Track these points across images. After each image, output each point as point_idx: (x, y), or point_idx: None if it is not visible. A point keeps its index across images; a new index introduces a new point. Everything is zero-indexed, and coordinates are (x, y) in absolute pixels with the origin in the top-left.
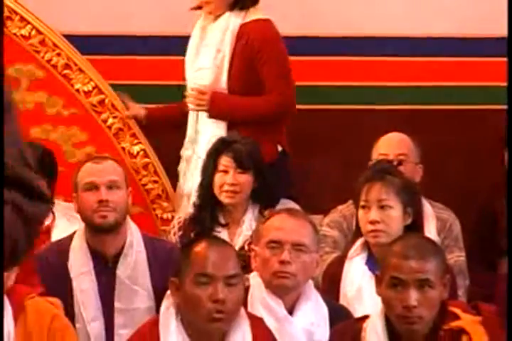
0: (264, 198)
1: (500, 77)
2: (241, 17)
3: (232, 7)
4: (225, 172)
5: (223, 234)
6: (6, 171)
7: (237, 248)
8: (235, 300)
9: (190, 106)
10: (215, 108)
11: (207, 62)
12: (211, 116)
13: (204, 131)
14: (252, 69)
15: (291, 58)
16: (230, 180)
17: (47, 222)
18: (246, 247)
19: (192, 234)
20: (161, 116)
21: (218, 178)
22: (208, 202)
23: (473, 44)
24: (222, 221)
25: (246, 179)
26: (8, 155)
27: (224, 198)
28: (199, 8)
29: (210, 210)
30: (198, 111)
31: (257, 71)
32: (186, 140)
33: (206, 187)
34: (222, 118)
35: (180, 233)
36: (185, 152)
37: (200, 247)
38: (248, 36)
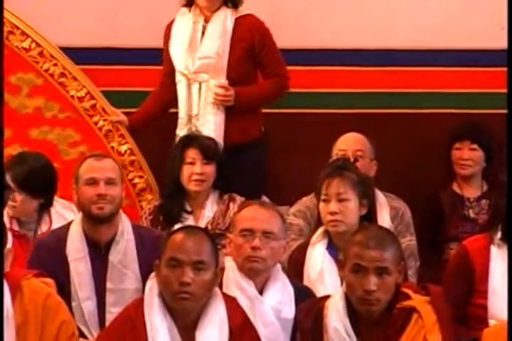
0: (222, 185)
1: (450, 84)
2: (234, 13)
3: (225, 2)
4: (192, 163)
5: (189, 219)
6: None
7: None
8: (201, 283)
9: (212, 100)
10: (239, 102)
11: (211, 52)
12: (234, 108)
13: (207, 116)
14: (250, 57)
15: None
16: (198, 170)
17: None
18: (209, 227)
19: (161, 218)
20: (142, 121)
21: (187, 169)
22: (176, 192)
23: (420, 55)
24: (188, 208)
25: (211, 169)
26: None
27: (193, 186)
28: (188, 5)
29: (177, 199)
30: (222, 105)
31: (254, 59)
32: (180, 121)
33: (174, 178)
34: (241, 109)
35: (151, 217)
36: (180, 132)
37: (177, 235)
38: (247, 28)
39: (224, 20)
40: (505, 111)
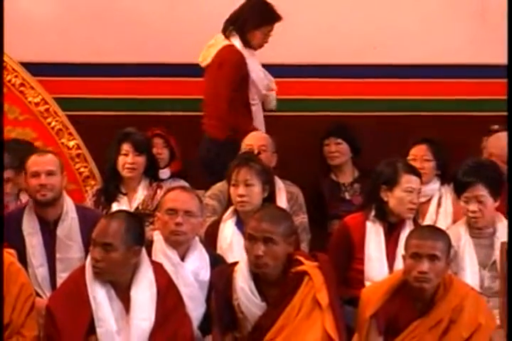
0: (152, 174)
1: (327, 92)
2: None
3: None
4: (126, 155)
5: (124, 199)
6: None
7: (133, 209)
8: (109, 260)
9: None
10: None
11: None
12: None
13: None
14: None
15: None
16: (130, 160)
17: None
18: (140, 207)
19: (102, 199)
20: None
21: (122, 160)
22: (113, 177)
23: (306, 69)
24: (123, 190)
25: (141, 160)
26: None
27: (126, 173)
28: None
29: (114, 183)
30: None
31: None
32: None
33: (111, 166)
34: None
35: (94, 199)
36: None
37: (102, 219)
38: None
39: None
40: (369, 113)
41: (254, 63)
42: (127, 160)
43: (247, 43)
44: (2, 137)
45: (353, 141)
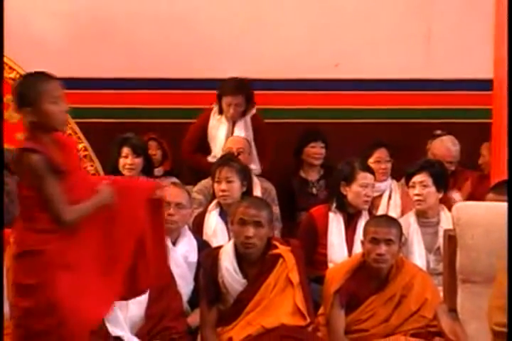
0: (148, 173)
1: (295, 103)
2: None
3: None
4: (126, 157)
5: None
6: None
7: None
8: None
9: None
10: None
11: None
12: None
13: None
14: None
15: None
16: (129, 161)
17: None
18: None
19: None
20: None
21: (122, 161)
22: (115, 175)
23: (275, 83)
24: None
25: (139, 161)
26: None
27: (126, 173)
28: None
29: None
30: None
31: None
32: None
33: (113, 166)
34: None
35: None
36: None
37: None
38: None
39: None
40: (335, 120)
41: (216, 131)
42: (127, 161)
43: (221, 111)
44: (2, 138)
45: (327, 144)
